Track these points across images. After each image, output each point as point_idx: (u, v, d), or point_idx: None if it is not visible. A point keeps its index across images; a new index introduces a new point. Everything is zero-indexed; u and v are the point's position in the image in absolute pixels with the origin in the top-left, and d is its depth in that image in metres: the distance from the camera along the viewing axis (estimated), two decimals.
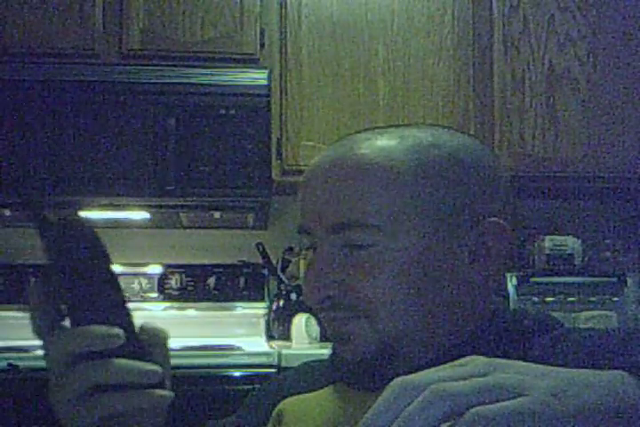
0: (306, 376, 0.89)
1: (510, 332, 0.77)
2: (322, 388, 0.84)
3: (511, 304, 2.72)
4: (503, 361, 0.51)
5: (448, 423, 0.47)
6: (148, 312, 2.83)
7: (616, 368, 0.52)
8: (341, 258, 0.77)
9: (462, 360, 0.52)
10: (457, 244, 0.76)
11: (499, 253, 0.77)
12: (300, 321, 2.60)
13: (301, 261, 0.82)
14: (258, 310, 2.88)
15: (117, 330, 0.63)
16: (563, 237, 2.85)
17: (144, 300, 2.85)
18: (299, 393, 0.85)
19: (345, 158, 0.77)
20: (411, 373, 0.50)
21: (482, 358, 0.52)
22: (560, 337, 0.74)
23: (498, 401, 0.47)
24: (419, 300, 0.75)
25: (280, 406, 0.84)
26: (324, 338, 2.56)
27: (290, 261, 2.84)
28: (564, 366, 0.53)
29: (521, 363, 0.51)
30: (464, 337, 0.77)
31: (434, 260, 0.75)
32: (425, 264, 0.75)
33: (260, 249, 2.78)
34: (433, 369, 0.51)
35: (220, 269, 2.86)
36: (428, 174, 0.76)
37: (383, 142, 0.78)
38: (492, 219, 0.77)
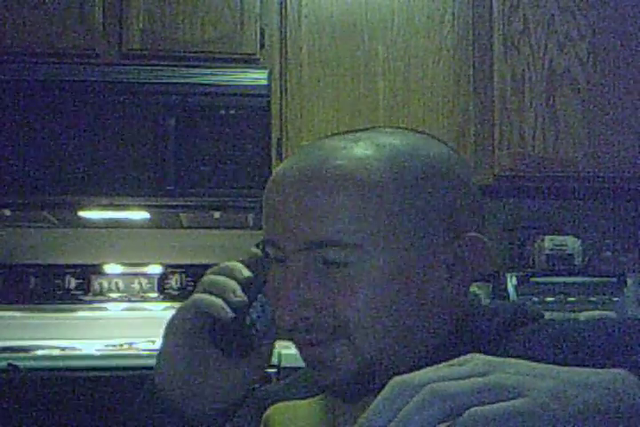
0: (300, 383, 0.87)
1: (484, 331, 0.75)
2: (313, 396, 0.82)
3: None
4: (502, 360, 0.51)
5: (446, 423, 0.47)
6: (148, 312, 2.83)
7: (594, 358, 0.52)
8: (315, 276, 0.72)
9: (461, 359, 0.52)
10: (435, 259, 0.72)
11: (476, 268, 0.74)
12: None
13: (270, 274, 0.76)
14: None
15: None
16: (563, 237, 2.85)
17: (144, 300, 2.85)
18: (289, 399, 0.83)
19: (319, 169, 0.71)
20: None
21: (481, 357, 0.51)
22: (535, 330, 0.73)
23: (496, 402, 0.47)
24: (398, 317, 0.71)
25: (268, 411, 0.82)
26: None
27: None
28: (541, 358, 0.53)
29: (520, 362, 0.51)
30: (440, 343, 0.74)
31: (413, 276, 0.72)
32: (404, 281, 0.71)
33: (260, 247, 2.78)
34: (431, 368, 0.51)
35: None
36: (406, 188, 0.71)
37: (359, 152, 0.72)
38: (471, 233, 0.73)
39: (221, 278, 0.77)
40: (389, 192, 0.71)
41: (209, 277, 0.79)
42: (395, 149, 0.73)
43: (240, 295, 0.76)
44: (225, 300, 0.75)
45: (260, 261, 0.78)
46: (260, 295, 0.77)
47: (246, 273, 0.78)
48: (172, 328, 0.78)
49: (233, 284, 0.76)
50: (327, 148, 0.74)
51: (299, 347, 0.75)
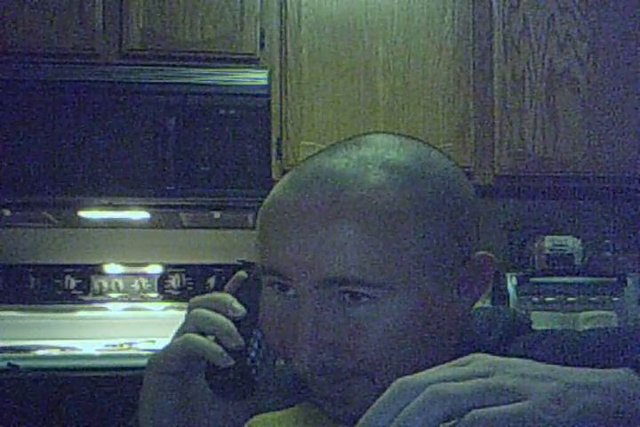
0: (277, 386, 0.83)
1: (484, 341, 0.74)
2: (292, 405, 0.78)
3: (511, 304, 2.72)
4: (504, 360, 0.51)
5: (448, 424, 0.47)
6: (148, 312, 2.83)
7: (596, 359, 0.52)
8: (333, 315, 0.67)
9: (463, 359, 0.52)
10: (447, 284, 0.70)
11: (484, 284, 0.72)
12: None
13: (264, 300, 0.70)
14: None
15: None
16: (563, 237, 2.85)
17: (144, 300, 2.85)
18: (266, 410, 0.79)
19: (337, 201, 0.67)
20: None
21: (483, 358, 0.51)
22: (536, 337, 0.73)
23: (498, 404, 0.47)
24: (418, 349, 0.68)
25: (248, 424, 0.77)
26: None
27: None
28: (542, 360, 0.52)
29: (522, 362, 0.51)
30: (445, 358, 0.71)
31: (434, 308, 0.69)
32: (426, 314, 0.68)
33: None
34: (433, 369, 0.51)
35: (220, 269, 2.86)
36: (424, 217, 0.68)
37: (374, 179, 0.68)
38: (480, 252, 0.72)
39: (213, 316, 0.72)
40: (410, 222, 0.67)
41: (200, 312, 0.73)
42: (407, 172, 0.69)
43: (237, 337, 0.70)
44: (220, 343, 0.70)
45: (250, 288, 0.74)
46: (255, 330, 0.72)
47: (240, 309, 0.72)
48: (157, 369, 0.72)
49: (228, 325, 0.71)
50: (337, 174, 0.69)
51: (315, 388, 0.71)
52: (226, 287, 0.77)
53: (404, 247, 0.67)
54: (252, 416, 0.77)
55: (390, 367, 0.67)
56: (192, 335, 0.71)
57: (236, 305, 0.72)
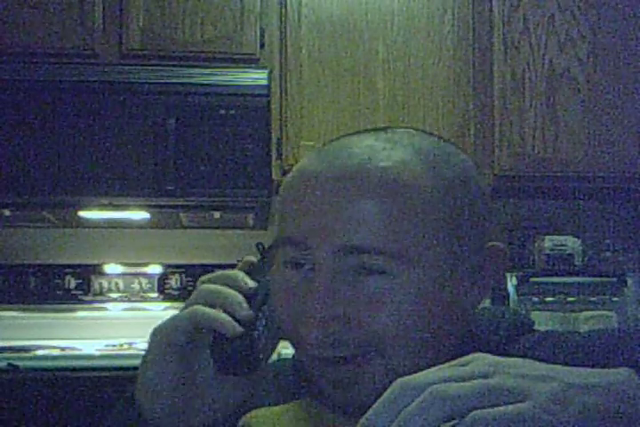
0: (275, 382, 0.81)
1: (487, 340, 0.74)
2: (291, 399, 0.76)
3: (511, 304, 2.72)
4: (504, 360, 0.51)
5: (449, 424, 0.47)
6: (148, 312, 2.83)
7: (596, 359, 0.52)
8: (346, 286, 0.67)
9: (463, 359, 0.52)
10: (461, 269, 0.70)
11: (495, 276, 0.73)
12: None
13: (276, 278, 0.73)
14: None
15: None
16: (563, 237, 2.84)
17: (144, 300, 2.85)
18: (267, 404, 0.77)
19: (361, 170, 0.67)
20: None
21: (483, 358, 0.51)
22: (538, 338, 0.74)
23: (498, 404, 0.47)
24: (429, 331, 0.68)
25: (245, 419, 0.75)
26: None
27: None
28: (542, 360, 0.52)
29: (522, 362, 0.51)
30: (449, 354, 0.70)
31: (447, 288, 0.68)
32: (439, 293, 0.67)
33: (260, 249, 2.78)
34: (433, 369, 0.51)
35: (220, 270, 2.86)
36: (446, 195, 0.68)
37: (400, 155, 0.68)
38: (492, 243, 0.72)
39: (224, 289, 0.71)
40: (432, 199, 0.68)
41: (208, 286, 0.72)
42: (431, 154, 0.70)
43: (246, 309, 0.70)
44: (229, 314, 0.69)
45: (261, 268, 0.74)
46: (264, 307, 0.71)
47: (251, 283, 0.72)
48: (161, 340, 0.70)
49: (238, 296, 0.70)
50: (365, 147, 0.69)
51: (320, 367, 0.68)
52: (235, 269, 0.76)
53: (423, 222, 0.67)
54: (249, 410, 0.75)
55: (404, 347, 0.66)
56: (200, 306, 0.70)
57: (247, 279, 0.72)
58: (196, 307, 0.70)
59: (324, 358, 0.67)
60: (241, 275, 0.73)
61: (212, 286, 0.72)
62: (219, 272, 0.74)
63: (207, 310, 0.69)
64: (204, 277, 0.74)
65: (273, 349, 0.75)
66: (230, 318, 0.69)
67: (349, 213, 0.66)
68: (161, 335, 0.71)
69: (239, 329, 0.68)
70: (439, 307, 0.68)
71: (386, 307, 0.66)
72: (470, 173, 0.73)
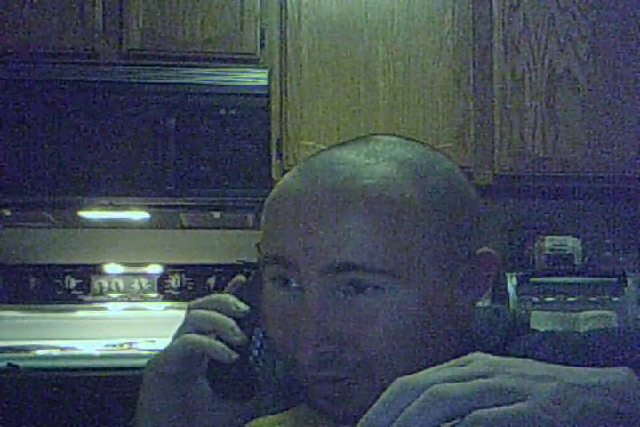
0: (274, 390, 0.81)
1: (486, 341, 0.74)
2: (289, 408, 0.76)
3: (511, 304, 2.72)
4: (504, 360, 0.51)
5: (449, 424, 0.47)
6: (148, 312, 2.83)
7: (597, 358, 0.52)
8: (338, 305, 0.66)
9: (463, 359, 0.52)
10: (452, 278, 0.69)
11: (486, 282, 0.72)
12: None
13: (267, 298, 0.72)
14: None
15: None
16: (563, 237, 2.84)
17: (144, 300, 2.85)
18: (265, 412, 0.76)
19: (347, 188, 0.67)
20: None
21: (483, 358, 0.51)
22: (537, 338, 0.74)
23: (498, 404, 0.47)
24: (421, 345, 0.68)
25: None
26: None
27: None
28: (542, 359, 0.52)
29: (523, 362, 0.51)
30: (446, 357, 0.70)
31: (439, 302, 0.68)
32: (431, 308, 0.67)
33: (260, 249, 2.78)
34: (433, 369, 0.51)
35: (220, 269, 2.86)
36: (432, 208, 0.68)
37: (383, 170, 0.68)
38: (483, 249, 0.72)
39: (214, 315, 0.70)
40: (418, 212, 0.67)
41: (197, 312, 0.71)
42: (414, 166, 0.70)
43: (239, 334, 0.69)
44: (222, 340, 0.69)
45: (251, 287, 0.73)
46: (257, 329, 0.71)
47: (242, 307, 0.71)
48: (156, 371, 0.71)
49: (229, 321, 0.70)
50: (347, 163, 0.69)
51: (312, 385, 0.69)
52: (225, 291, 0.75)
53: (410, 237, 0.67)
54: (251, 419, 0.75)
55: (392, 362, 0.66)
56: (191, 335, 0.70)
57: (238, 303, 0.71)
58: (186, 336, 0.70)
59: (320, 378, 0.68)
60: (231, 298, 0.72)
61: (202, 313, 0.71)
62: (207, 297, 0.73)
63: (199, 338, 0.69)
64: (192, 303, 0.73)
65: (271, 369, 0.74)
66: (224, 345, 0.68)
67: (335, 231, 0.66)
68: (155, 367, 0.71)
69: (234, 355, 0.68)
70: (429, 320, 0.68)
71: (378, 324, 0.66)
72: (457, 181, 0.72)
